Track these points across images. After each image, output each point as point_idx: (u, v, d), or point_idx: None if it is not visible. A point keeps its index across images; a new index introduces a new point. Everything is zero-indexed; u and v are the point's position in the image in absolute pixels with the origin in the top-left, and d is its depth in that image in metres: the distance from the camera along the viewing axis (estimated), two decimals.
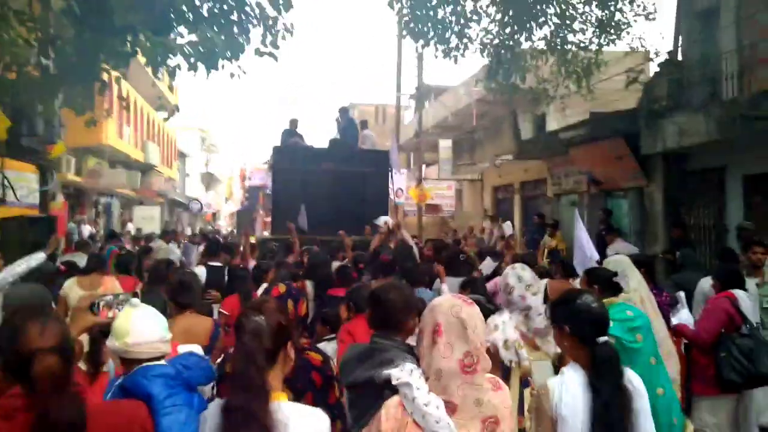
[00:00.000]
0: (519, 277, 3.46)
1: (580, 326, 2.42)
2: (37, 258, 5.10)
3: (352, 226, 11.74)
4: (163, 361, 2.22)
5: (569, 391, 2.33)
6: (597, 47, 13.45)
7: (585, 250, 6.25)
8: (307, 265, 6.04)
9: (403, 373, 2.09)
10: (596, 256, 6.44)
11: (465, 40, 13.10)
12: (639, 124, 10.17)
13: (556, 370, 2.99)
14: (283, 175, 12.87)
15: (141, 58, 8.95)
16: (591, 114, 11.00)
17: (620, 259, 4.65)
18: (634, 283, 4.47)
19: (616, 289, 3.97)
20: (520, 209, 16.68)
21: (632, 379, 2.40)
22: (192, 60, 8.47)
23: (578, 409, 2.29)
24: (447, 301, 2.25)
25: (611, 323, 3.31)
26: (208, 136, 46.86)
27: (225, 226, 43.11)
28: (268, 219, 21.91)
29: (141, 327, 2.20)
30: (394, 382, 2.09)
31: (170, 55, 8.39)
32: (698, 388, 4.66)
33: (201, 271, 6.78)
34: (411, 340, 2.43)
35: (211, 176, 50.69)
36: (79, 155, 19.12)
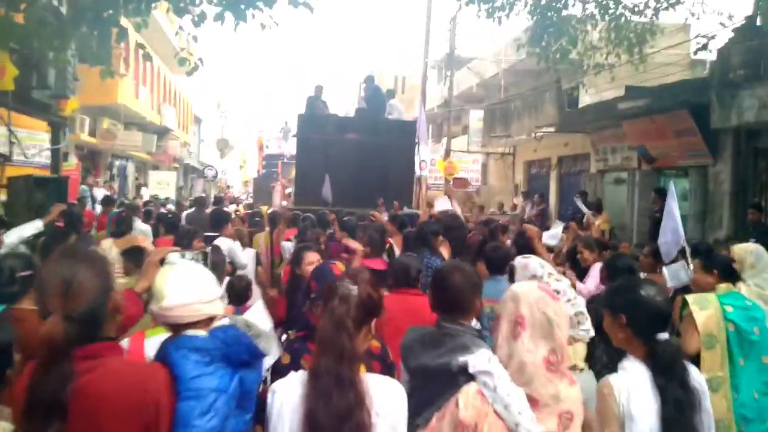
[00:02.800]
0: (541, 264, 3.36)
1: (638, 318, 2.26)
2: (33, 227, 4.42)
3: (377, 198, 11.32)
4: (202, 331, 1.90)
5: (637, 389, 2.18)
6: (653, 11, 12.38)
7: (677, 233, 5.37)
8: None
9: (481, 360, 2.04)
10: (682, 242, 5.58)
11: None
12: (708, 95, 9.19)
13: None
14: (308, 144, 12.37)
15: (160, 9, 8.05)
16: (659, 87, 9.96)
17: (757, 249, 3.86)
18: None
19: (735, 277, 3.80)
20: (557, 186, 15.73)
21: (696, 376, 2.27)
22: (220, 7, 7.60)
23: (648, 408, 2.15)
24: (532, 292, 2.15)
25: (731, 309, 3.41)
26: (223, 101, 45.93)
27: (239, 193, 42.40)
28: (288, 189, 21.21)
29: (177, 287, 1.94)
30: (471, 370, 2.03)
31: (196, 1, 7.51)
32: None
33: None
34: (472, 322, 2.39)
35: (226, 142, 49.84)
36: (94, 115, 18.33)
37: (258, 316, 2.67)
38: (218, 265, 3.53)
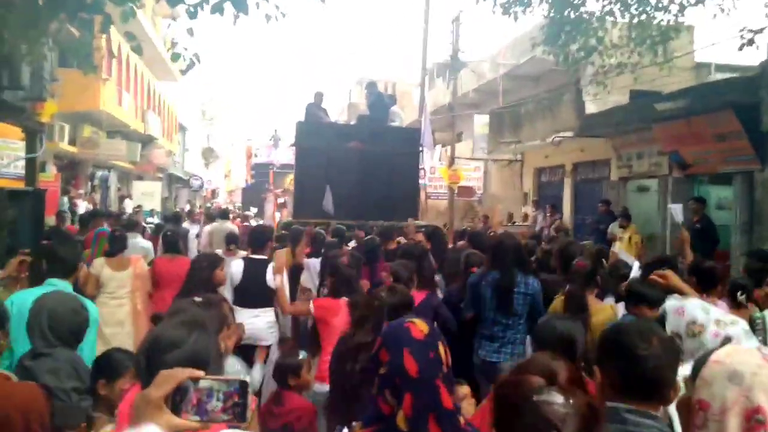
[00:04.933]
0: (703, 307, 2.46)
1: None
2: None
3: (379, 209, 10.64)
4: None
5: None
6: (679, 8, 11.58)
7: None
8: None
9: None
10: None
11: None
12: (758, 95, 8.35)
13: None
14: (307, 153, 11.61)
15: (144, 12, 7.02)
16: (701, 85, 9.10)
17: None
18: None
19: None
20: (572, 194, 14.84)
21: None
22: None
23: None
24: (761, 367, 1.49)
25: None
26: (208, 108, 44.70)
27: (224, 203, 41.21)
28: (281, 199, 20.17)
29: None
30: None
31: None
32: None
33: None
34: None
35: (211, 151, 48.57)
36: (73, 122, 17.13)
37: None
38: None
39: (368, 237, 7.14)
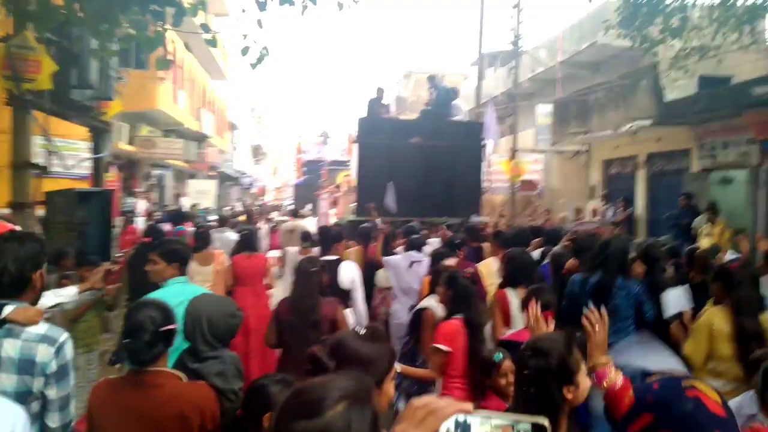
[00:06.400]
0: None
1: None
2: (67, 294, 3.43)
3: (442, 206, 10.57)
4: None
5: None
6: None
7: None
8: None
9: None
10: None
11: None
12: None
13: None
14: (369, 149, 11.44)
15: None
16: None
17: None
18: None
19: None
20: (646, 187, 14.01)
21: None
22: None
23: None
24: None
25: None
26: (257, 106, 44.95)
27: (272, 200, 41.37)
28: (337, 194, 19.90)
29: None
30: None
31: None
32: None
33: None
34: None
35: (260, 149, 48.90)
36: (131, 122, 17.22)
37: None
38: None
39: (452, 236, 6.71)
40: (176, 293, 3.23)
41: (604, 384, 1.83)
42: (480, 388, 3.17)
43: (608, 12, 13.45)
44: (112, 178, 13.97)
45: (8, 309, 2.19)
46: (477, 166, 12.13)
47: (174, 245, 3.72)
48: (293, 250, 7.64)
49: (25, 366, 2.15)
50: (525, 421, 0.94)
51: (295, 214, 12.04)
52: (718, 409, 1.26)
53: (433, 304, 4.25)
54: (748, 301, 3.43)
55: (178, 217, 8.94)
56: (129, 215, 11.02)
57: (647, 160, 13.84)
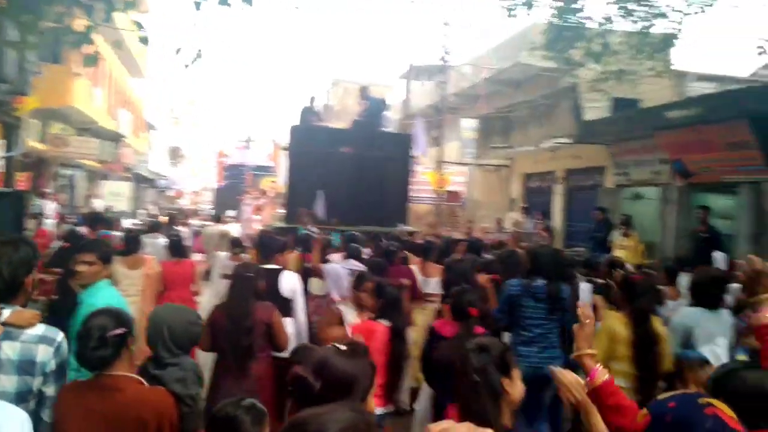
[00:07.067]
0: None
1: None
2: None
3: (370, 215, 10.68)
4: None
5: None
6: (681, 15, 11.53)
7: None
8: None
9: None
10: None
11: None
12: None
13: None
14: (301, 157, 11.42)
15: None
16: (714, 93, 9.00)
17: None
18: None
19: None
20: (564, 201, 14.65)
21: None
22: None
23: None
24: None
25: None
26: (176, 106, 43.49)
27: (189, 204, 40.08)
28: (260, 201, 19.53)
29: None
30: None
31: None
32: None
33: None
34: None
35: (177, 150, 47.27)
36: (43, 119, 16.21)
37: None
38: None
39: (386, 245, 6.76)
40: (110, 297, 3.33)
41: (595, 381, 2.01)
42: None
43: (532, 34, 14.03)
44: (19, 177, 13.11)
45: (6, 313, 2.27)
46: (405, 177, 12.31)
47: (105, 246, 3.76)
48: (223, 255, 7.46)
49: (26, 367, 2.27)
50: None
51: (218, 219, 11.73)
52: (736, 424, 1.32)
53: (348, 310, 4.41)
54: (644, 311, 3.82)
55: (95, 220, 8.44)
56: (39, 217, 10.32)
57: (565, 175, 14.49)
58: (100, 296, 3.36)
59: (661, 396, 1.54)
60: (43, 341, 2.31)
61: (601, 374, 1.98)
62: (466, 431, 0.98)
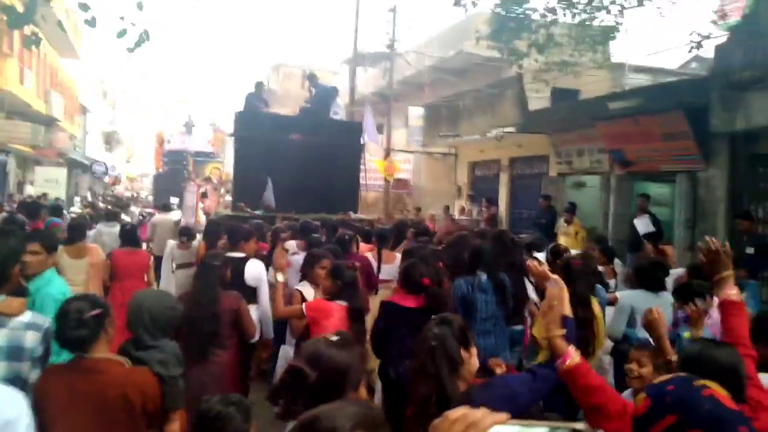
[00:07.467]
0: None
1: None
2: None
3: (320, 202, 10.62)
4: None
5: None
6: (620, 9, 11.90)
7: None
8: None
9: None
10: None
11: None
12: (708, 97, 8.66)
13: None
14: (247, 144, 11.24)
15: None
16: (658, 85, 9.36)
17: None
18: None
19: None
20: (508, 189, 15.00)
21: None
22: None
23: None
24: None
25: None
26: (111, 89, 41.87)
27: (125, 191, 38.78)
28: (203, 189, 19.08)
29: None
30: None
31: None
32: None
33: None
34: None
35: (113, 135, 45.58)
36: None
37: None
38: None
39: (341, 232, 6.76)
40: (63, 287, 3.46)
41: (568, 363, 2.07)
42: None
43: (475, 23, 14.20)
44: None
45: None
46: (355, 165, 12.33)
47: (49, 234, 3.86)
48: (172, 243, 7.29)
49: (14, 352, 2.35)
50: (563, 428, 1.01)
51: (167, 207, 11.41)
52: (732, 403, 1.40)
53: (306, 288, 4.47)
54: (583, 294, 3.98)
55: (34, 208, 8.10)
56: None
57: (510, 163, 14.83)
58: (54, 287, 3.42)
59: (658, 380, 1.63)
60: (31, 327, 2.41)
61: (575, 356, 2.06)
62: (482, 416, 1.02)
